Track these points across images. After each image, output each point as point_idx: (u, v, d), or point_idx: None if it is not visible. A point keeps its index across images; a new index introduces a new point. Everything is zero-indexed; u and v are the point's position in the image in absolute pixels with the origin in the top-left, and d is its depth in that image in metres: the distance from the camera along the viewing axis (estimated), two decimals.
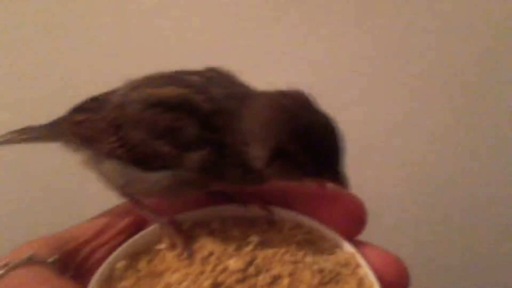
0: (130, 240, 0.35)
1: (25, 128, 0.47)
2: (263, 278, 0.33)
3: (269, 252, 0.35)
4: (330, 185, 0.36)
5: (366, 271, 0.34)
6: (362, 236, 0.38)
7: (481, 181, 0.86)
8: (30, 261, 0.34)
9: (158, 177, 0.36)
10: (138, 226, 0.38)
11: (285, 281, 0.33)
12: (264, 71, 0.75)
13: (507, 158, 0.85)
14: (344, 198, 0.37)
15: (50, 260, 0.34)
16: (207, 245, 0.35)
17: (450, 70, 0.82)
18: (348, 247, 0.35)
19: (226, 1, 0.79)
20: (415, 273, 0.37)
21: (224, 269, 0.33)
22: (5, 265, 0.34)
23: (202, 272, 0.33)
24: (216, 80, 0.38)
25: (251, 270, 0.33)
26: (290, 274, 0.33)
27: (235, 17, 0.80)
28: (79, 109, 0.42)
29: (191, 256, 0.34)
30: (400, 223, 0.88)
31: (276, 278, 0.33)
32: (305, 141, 0.33)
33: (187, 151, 0.35)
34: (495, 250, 0.89)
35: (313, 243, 0.36)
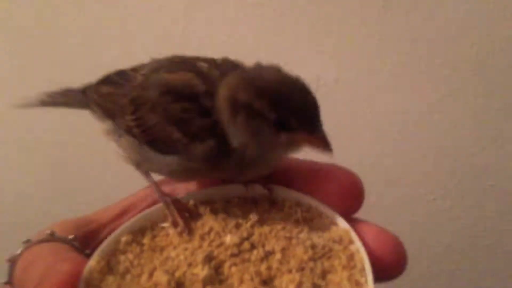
0: (136, 217, 0.38)
1: (64, 89, 0.50)
2: (257, 253, 0.34)
3: (266, 229, 0.36)
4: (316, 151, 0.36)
5: (358, 247, 0.34)
6: None
7: None
8: (51, 238, 0.37)
9: (167, 161, 0.39)
10: None
11: (277, 256, 0.34)
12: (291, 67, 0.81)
13: None
14: (340, 175, 0.37)
15: (69, 237, 0.38)
16: (208, 222, 0.37)
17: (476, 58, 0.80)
18: (343, 224, 0.36)
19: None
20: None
21: (220, 244, 0.35)
22: (27, 241, 0.37)
23: (199, 247, 0.35)
24: (221, 66, 0.41)
25: (246, 245, 0.35)
26: (283, 249, 0.34)
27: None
28: (105, 81, 0.45)
29: (191, 234, 0.36)
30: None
31: (268, 253, 0.34)
32: (269, 95, 0.35)
33: (193, 141, 0.37)
34: None
35: (310, 221, 0.37)
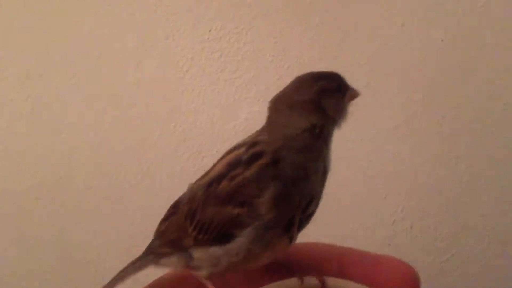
0: None
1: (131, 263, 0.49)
2: None
3: None
4: None
5: None
6: None
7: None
8: None
9: (238, 245, 0.37)
10: None
11: None
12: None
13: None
14: (400, 266, 0.38)
15: None
16: None
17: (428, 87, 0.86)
18: None
19: None
20: None
21: None
22: None
23: None
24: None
25: None
26: None
27: None
28: (162, 221, 0.45)
29: None
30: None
31: None
32: (323, 77, 0.44)
33: (255, 199, 0.37)
34: None
35: None
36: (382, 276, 0.38)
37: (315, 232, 0.87)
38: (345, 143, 0.87)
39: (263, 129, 0.43)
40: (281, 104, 0.42)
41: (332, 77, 0.44)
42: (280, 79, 0.86)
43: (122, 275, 0.47)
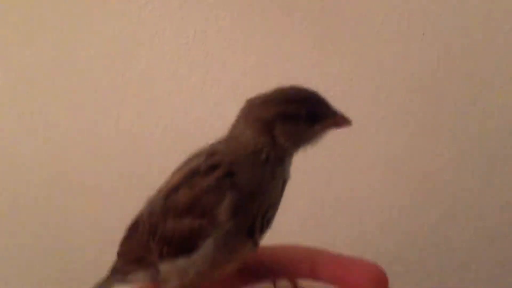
0: None
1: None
2: None
3: None
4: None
5: None
6: None
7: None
8: None
9: (203, 252, 0.37)
10: None
11: None
12: None
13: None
14: (370, 268, 0.39)
15: None
16: None
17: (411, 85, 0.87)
18: None
19: None
20: None
21: None
22: None
23: None
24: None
25: None
26: None
27: None
28: (123, 240, 0.45)
29: None
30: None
31: None
32: (293, 98, 0.39)
33: (214, 209, 0.36)
34: None
35: None
36: (352, 277, 0.39)
37: (304, 235, 0.90)
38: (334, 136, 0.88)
39: (224, 137, 0.41)
40: (243, 114, 0.40)
41: (306, 100, 0.38)
42: (268, 77, 0.88)
43: None
